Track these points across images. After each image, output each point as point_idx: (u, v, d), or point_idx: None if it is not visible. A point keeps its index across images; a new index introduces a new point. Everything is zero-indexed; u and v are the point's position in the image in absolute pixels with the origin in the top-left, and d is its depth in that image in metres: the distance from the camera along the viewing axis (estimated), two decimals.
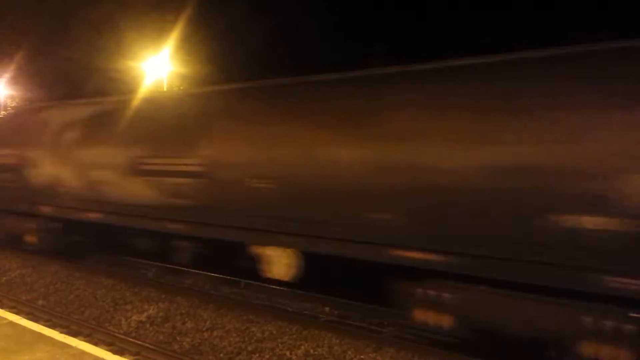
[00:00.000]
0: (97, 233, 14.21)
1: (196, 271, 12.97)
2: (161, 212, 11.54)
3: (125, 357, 7.65)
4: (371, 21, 35.03)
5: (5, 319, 8.42)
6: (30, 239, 15.05)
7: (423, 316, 8.27)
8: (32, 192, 14.78)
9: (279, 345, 9.03)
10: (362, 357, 8.44)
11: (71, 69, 35.66)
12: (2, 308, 9.92)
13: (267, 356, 8.69)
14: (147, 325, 10.11)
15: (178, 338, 9.54)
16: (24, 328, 7.99)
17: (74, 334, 8.94)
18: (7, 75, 39.86)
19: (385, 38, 31.75)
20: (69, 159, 13.74)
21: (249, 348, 8.99)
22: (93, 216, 13.16)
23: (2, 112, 38.16)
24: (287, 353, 8.72)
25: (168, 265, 13.32)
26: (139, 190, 11.99)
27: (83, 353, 6.93)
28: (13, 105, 43.18)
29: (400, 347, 8.64)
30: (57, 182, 14.01)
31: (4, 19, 35.88)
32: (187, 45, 33.27)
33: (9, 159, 15.57)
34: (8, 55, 36.73)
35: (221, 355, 8.85)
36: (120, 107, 13.31)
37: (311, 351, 8.74)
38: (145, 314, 10.59)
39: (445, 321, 8.05)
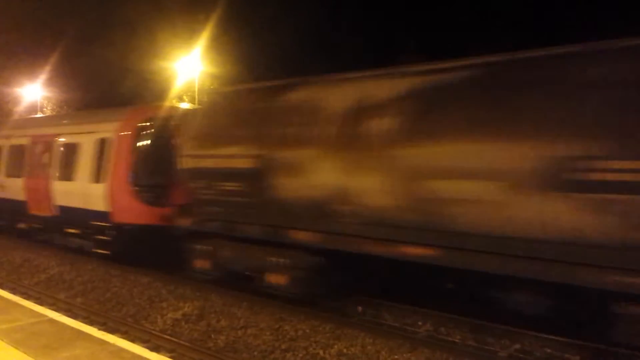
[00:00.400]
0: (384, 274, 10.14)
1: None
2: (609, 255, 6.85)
3: (161, 354, 7.74)
4: (401, 18, 34.79)
5: (45, 316, 8.61)
6: (275, 278, 10.75)
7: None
8: (279, 210, 10.32)
9: (312, 344, 9.05)
10: (395, 357, 8.39)
11: (106, 70, 36.32)
12: (42, 305, 10.14)
13: (300, 355, 8.71)
14: (183, 323, 10.25)
15: (213, 336, 9.64)
16: (64, 325, 8.14)
17: (112, 331, 9.11)
18: (43, 77, 40.78)
19: (417, 35, 31.50)
20: (375, 163, 8.88)
21: (283, 346, 9.03)
22: (416, 252, 8.61)
23: (38, 114, 39.10)
24: (321, 352, 8.73)
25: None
26: (564, 216, 7.09)
27: (121, 350, 7.04)
28: (48, 106, 44.16)
29: (436, 348, 8.56)
30: (337, 198, 9.40)
31: (40, 22, 36.74)
32: (218, 45, 33.57)
33: (235, 162, 10.88)
34: (44, 57, 37.58)
35: (255, 353, 8.91)
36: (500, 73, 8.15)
37: (344, 350, 8.73)
38: (180, 312, 10.73)
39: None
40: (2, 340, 7.28)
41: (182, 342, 9.27)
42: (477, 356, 8.32)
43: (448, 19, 31.63)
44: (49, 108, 45.10)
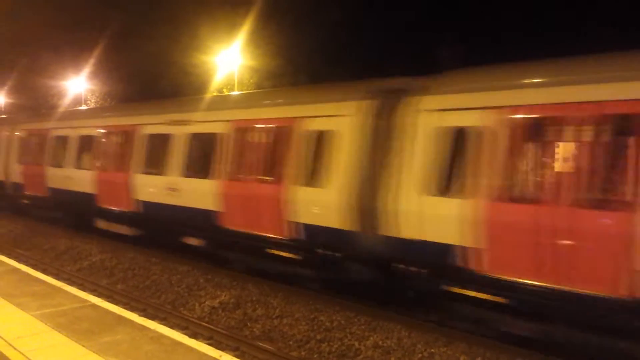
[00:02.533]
0: None
1: None
2: None
3: (199, 341, 7.87)
4: (439, 15, 34.34)
5: (88, 301, 8.84)
6: None
7: None
8: None
9: (348, 335, 9.06)
10: (432, 350, 8.34)
11: (148, 63, 36.98)
12: (84, 291, 10.43)
13: (335, 346, 8.74)
14: (220, 311, 10.40)
15: (249, 324, 9.76)
16: (105, 310, 8.35)
17: (151, 317, 9.30)
18: (87, 70, 41.77)
19: (453, 33, 31.04)
20: None
21: (318, 337, 9.08)
22: None
23: (83, 106, 40.11)
24: (356, 343, 8.74)
25: None
26: None
27: (161, 336, 7.18)
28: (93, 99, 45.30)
29: (472, 342, 8.47)
30: None
31: (84, 16, 37.62)
32: (257, 38, 33.75)
33: None
34: (88, 51, 38.45)
35: (290, 342, 8.99)
36: None
37: (380, 343, 8.71)
38: (217, 300, 10.89)
39: None
40: (47, 324, 7.52)
41: (219, 329, 9.42)
42: (515, 352, 8.18)
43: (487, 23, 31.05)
44: (92, 101, 46.21)
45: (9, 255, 13.57)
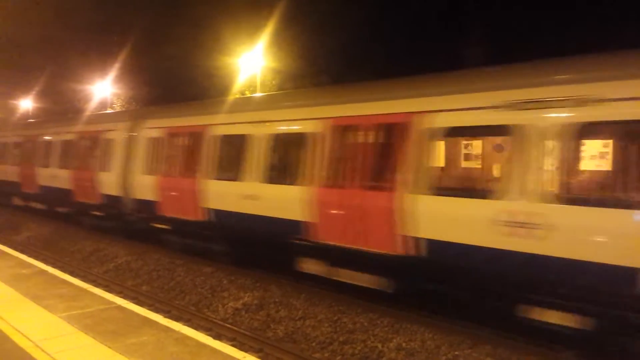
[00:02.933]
0: None
1: None
2: None
3: (223, 342, 7.91)
4: (464, 17, 34.04)
5: (114, 303, 8.95)
6: None
7: None
8: None
9: (371, 337, 9.03)
10: (456, 353, 8.25)
11: (171, 66, 37.37)
12: (110, 293, 10.57)
13: (358, 347, 8.71)
14: (243, 312, 10.45)
15: (272, 325, 9.78)
16: (131, 312, 8.44)
17: (176, 319, 9.38)
18: (112, 74, 42.36)
19: (477, 35, 30.74)
20: None
21: (341, 339, 9.06)
22: None
23: (108, 110, 40.71)
24: (379, 345, 8.70)
25: None
26: None
27: (186, 337, 7.24)
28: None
29: (498, 345, 8.36)
30: None
31: (109, 20, 38.18)
32: (280, 40, 33.86)
33: None
34: (113, 55, 38.99)
35: (313, 344, 8.99)
36: None
37: (403, 345, 8.66)
38: (240, 302, 10.94)
39: None
40: (74, 325, 7.63)
41: (242, 331, 9.47)
42: (543, 355, 8.05)
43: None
44: (118, 104, 46.86)
45: (37, 258, 13.84)
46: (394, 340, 8.80)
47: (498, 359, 8.02)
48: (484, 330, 9.14)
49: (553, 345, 8.35)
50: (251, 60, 33.55)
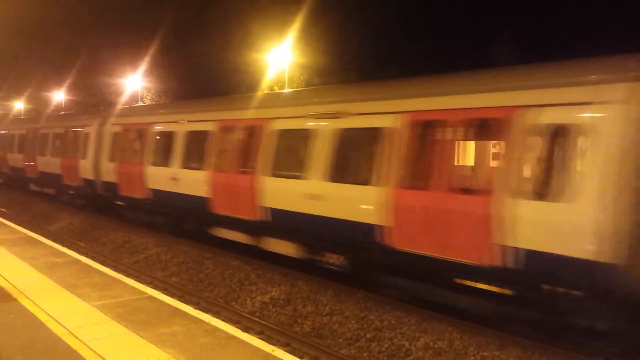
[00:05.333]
0: None
1: None
2: None
3: (251, 335, 7.99)
4: (491, 11, 33.65)
5: (145, 293, 9.08)
6: None
7: None
8: None
9: (398, 335, 9.02)
10: (485, 354, 8.20)
11: (201, 61, 37.70)
12: (141, 283, 10.72)
13: (385, 345, 8.71)
14: (270, 306, 10.53)
15: (299, 320, 9.84)
16: (162, 302, 8.56)
17: (205, 311, 9.48)
18: (143, 68, 42.92)
19: (504, 29, 30.38)
20: None
21: (368, 336, 9.07)
22: None
23: (139, 103, 41.23)
24: (406, 344, 8.69)
25: None
26: None
27: (215, 329, 7.33)
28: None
29: (527, 347, 8.28)
30: None
31: (140, 16, 38.68)
32: (308, 35, 33.93)
33: None
34: (144, 50, 39.50)
35: (340, 340, 9.01)
36: None
37: (431, 344, 8.63)
38: (268, 296, 11.03)
39: None
40: (107, 314, 7.77)
41: (270, 324, 9.54)
42: (570, 357, 7.95)
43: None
44: (148, 98, 47.46)
45: (70, 247, 14.11)
46: (422, 339, 8.78)
47: None
48: (511, 332, 9.07)
49: (581, 348, 8.25)
50: (279, 56, 33.68)
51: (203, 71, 38.06)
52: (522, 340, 8.59)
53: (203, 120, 14.56)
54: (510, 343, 8.49)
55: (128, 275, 12.03)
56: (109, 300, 8.50)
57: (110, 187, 18.38)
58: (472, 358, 8.17)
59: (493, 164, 8.83)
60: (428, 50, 32.38)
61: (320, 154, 11.04)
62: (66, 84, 51.44)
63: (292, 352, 8.44)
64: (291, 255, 12.10)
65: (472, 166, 9.18)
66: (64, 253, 12.02)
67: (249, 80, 35.52)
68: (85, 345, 6.60)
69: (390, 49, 34.05)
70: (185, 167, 14.70)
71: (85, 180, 20.26)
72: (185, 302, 10.04)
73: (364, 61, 34.60)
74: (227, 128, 13.62)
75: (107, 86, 47.34)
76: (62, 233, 18.21)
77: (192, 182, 14.25)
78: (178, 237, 15.91)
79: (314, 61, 35.43)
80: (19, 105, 62.23)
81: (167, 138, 15.64)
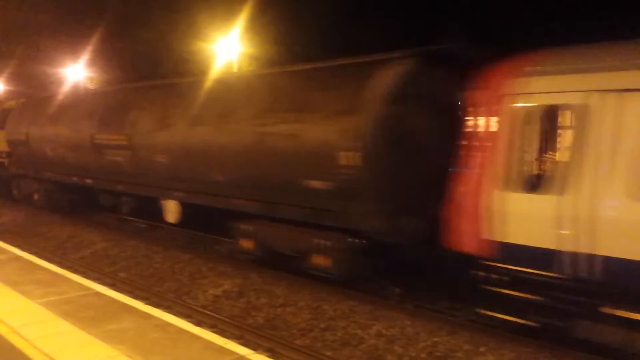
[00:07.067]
0: None
1: None
2: None
3: (204, 329, 7.90)
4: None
5: (92, 289, 8.85)
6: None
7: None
8: None
9: (351, 324, 9.10)
10: (435, 339, 8.37)
11: (146, 50, 36.81)
12: (88, 279, 10.44)
13: (339, 334, 8.78)
14: (223, 300, 10.44)
15: (252, 313, 9.79)
16: (110, 298, 8.36)
17: (155, 306, 9.31)
18: (85, 57, 41.54)
19: (456, 17, 30.84)
20: None
21: (322, 325, 9.11)
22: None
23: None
24: (359, 332, 8.78)
25: None
26: None
27: (166, 324, 7.21)
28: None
29: (475, 331, 8.51)
30: None
31: (82, 2, 37.40)
32: (257, 25, 33.56)
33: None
34: (86, 38, 38.23)
35: (294, 331, 9.03)
36: None
37: (383, 331, 8.75)
38: (221, 289, 10.92)
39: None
40: (53, 311, 7.53)
41: (223, 317, 9.45)
42: (519, 341, 8.22)
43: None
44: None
45: (12, 243, 13.56)
46: (374, 327, 8.89)
47: (476, 346, 8.15)
48: (460, 317, 9.31)
49: (530, 334, 8.55)
50: (228, 46, 33.22)
51: (148, 60, 37.17)
52: (472, 325, 8.83)
53: None
54: (461, 328, 8.71)
55: (74, 271, 11.65)
56: (54, 297, 8.25)
57: None
58: (424, 344, 8.32)
59: None
60: (380, 41, 32.54)
61: None
62: (5, 74, 49.28)
63: (246, 344, 8.36)
64: None
65: None
66: (5, 250, 11.60)
67: (196, 70, 34.89)
68: (31, 344, 6.38)
69: (342, 39, 34.07)
70: None
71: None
72: (135, 297, 9.81)
73: (314, 52, 34.51)
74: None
75: (47, 76, 45.61)
76: (3, 229, 17.47)
77: None
78: (125, 231, 15.58)
79: (263, 51, 35.10)
80: None
81: None
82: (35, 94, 23.41)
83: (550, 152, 7.72)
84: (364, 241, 9.85)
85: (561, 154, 7.57)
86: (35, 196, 19.57)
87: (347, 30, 33.58)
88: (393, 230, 9.25)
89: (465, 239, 7.96)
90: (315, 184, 9.92)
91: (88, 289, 8.91)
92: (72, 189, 18.26)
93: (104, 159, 15.25)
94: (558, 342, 8.01)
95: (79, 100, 18.25)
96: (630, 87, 6.69)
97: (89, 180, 16.44)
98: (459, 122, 8.39)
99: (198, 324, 8.70)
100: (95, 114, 15.96)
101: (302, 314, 9.60)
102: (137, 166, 14.19)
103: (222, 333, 8.67)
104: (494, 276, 7.88)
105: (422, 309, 9.78)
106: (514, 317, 7.97)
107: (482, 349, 8.01)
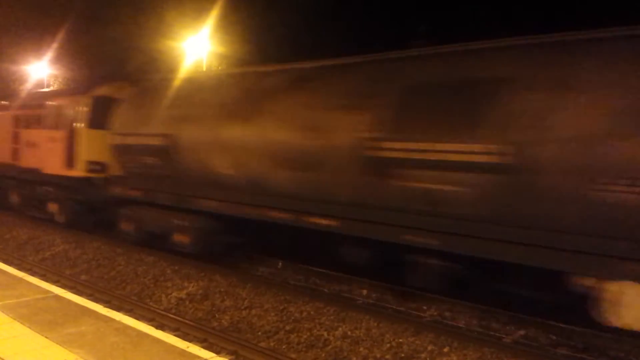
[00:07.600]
0: None
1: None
2: None
3: (165, 332, 7.75)
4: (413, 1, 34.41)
5: (51, 292, 8.62)
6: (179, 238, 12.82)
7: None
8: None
9: (317, 325, 9.05)
10: (400, 340, 8.38)
11: (113, 48, 36.16)
12: (47, 282, 10.16)
13: (304, 336, 8.72)
14: (187, 302, 10.27)
15: (217, 315, 9.66)
16: (69, 301, 8.15)
17: (116, 309, 9.11)
18: (49, 55, 40.61)
19: (429, 18, 31.11)
20: None
21: (287, 327, 9.04)
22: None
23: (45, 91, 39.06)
24: (325, 334, 8.73)
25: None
26: None
27: (127, 327, 7.05)
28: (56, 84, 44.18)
29: (440, 332, 8.55)
30: None
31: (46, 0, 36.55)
32: (226, 24, 33.30)
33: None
34: (50, 35, 37.38)
35: (259, 333, 8.93)
36: None
37: (349, 333, 8.73)
38: (184, 291, 10.75)
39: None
40: (9, 315, 7.29)
41: (186, 321, 9.29)
42: (482, 341, 8.29)
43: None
44: (55, 86, 45.01)
45: None
46: (340, 329, 8.85)
47: (440, 346, 8.19)
48: (425, 318, 9.36)
49: (494, 333, 8.64)
50: (197, 45, 32.89)
51: (114, 58, 36.52)
52: (437, 326, 8.87)
53: None
54: (425, 329, 8.74)
55: (33, 273, 11.35)
56: (10, 300, 7.99)
57: None
58: (389, 345, 8.32)
59: None
60: (351, 42, 32.62)
61: None
62: None
63: (209, 347, 8.25)
64: None
65: None
66: None
67: (164, 69, 34.43)
68: None
69: (313, 39, 34.00)
70: None
71: None
72: (95, 300, 9.61)
73: (285, 52, 34.36)
74: None
75: (10, 74, 44.44)
76: None
77: None
78: (88, 232, 15.24)
79: (233, 51, 34.85)
80: None
81: None
82: (168, 75, 14.69)
83: None
84: None
85: None
86: (179, 238, 12.53)
87: (318, 30, 33.53)
88: None
89: None
90: None
91: (47, 291, 8.66)
92: (246, 228, 12.12)
93: (391, 186, 8.69)
94: (521, 342, 8.12)
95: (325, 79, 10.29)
96: None
97: (328, 222, 9.57)
98: None
99: (160, 327, 8.54)
100: (389, 102, 8.82)
101: (268, 316, 9.51)
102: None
103: (185, 336, 8.51)
104: None
105: (388, 309, 9.80)
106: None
107: (445, 349, 8.05)
